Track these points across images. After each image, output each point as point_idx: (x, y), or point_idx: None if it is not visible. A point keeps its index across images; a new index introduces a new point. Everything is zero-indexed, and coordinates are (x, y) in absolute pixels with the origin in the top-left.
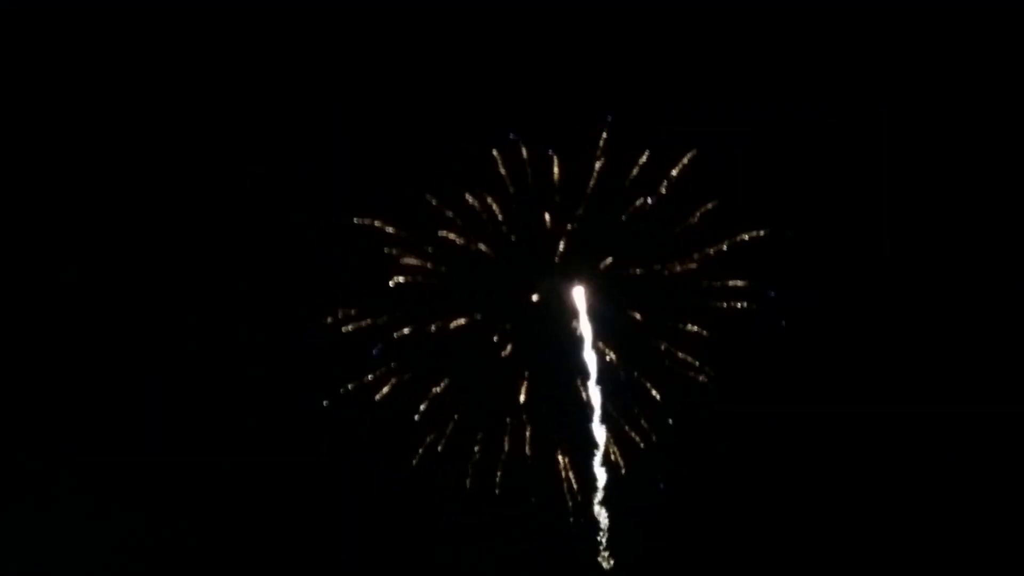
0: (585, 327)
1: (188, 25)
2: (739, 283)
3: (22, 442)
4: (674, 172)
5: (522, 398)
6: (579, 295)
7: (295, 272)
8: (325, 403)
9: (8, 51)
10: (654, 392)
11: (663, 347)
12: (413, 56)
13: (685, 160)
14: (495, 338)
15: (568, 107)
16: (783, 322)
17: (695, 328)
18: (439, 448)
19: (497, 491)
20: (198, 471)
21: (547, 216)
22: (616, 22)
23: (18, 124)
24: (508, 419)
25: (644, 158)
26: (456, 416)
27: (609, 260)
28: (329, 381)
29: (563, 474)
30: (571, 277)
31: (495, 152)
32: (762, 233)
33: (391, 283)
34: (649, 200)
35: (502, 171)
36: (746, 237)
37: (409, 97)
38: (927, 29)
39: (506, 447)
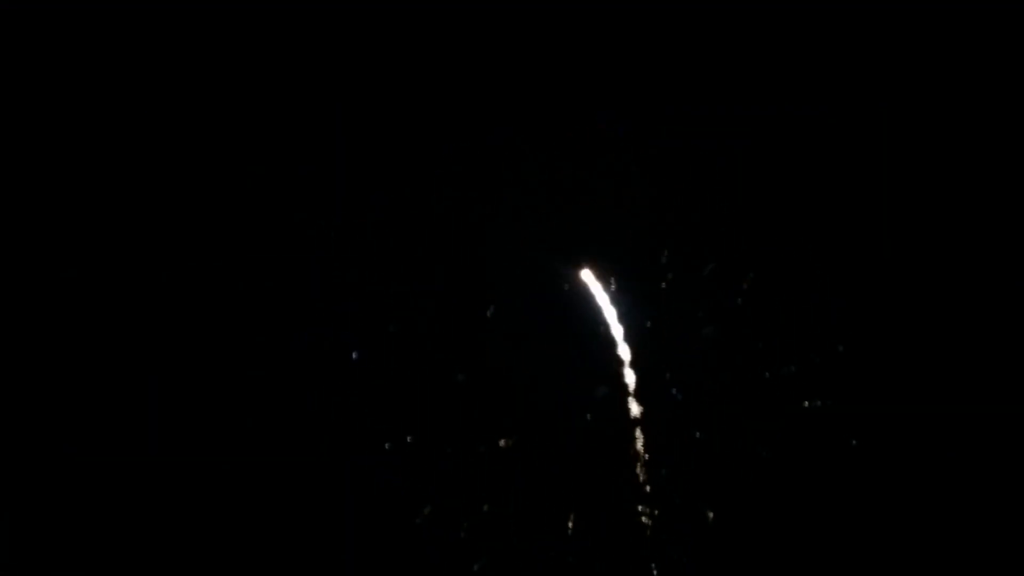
0: (639, 445)
1: (187, 24)
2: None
3: (22, 442)
4: (737, 295)
5: (570, 526)
6: (635, 408)
7: (295, 272)
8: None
9: (8, 51)
10: (708, 517)
11: (715, 474)
12: (420, 64)
13: (745, 285)
14: (543, 458)
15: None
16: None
17: (748, 456)
18: (475, 569)
19: None
20: (198, 471)
21: (602, 330)
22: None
23: (18, 124)
24: (552, 547)
25: (709, 269)
26: (497, 541)
27: (670, 382)
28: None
29: None
30: (626, 392)
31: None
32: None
33: (439, 398)
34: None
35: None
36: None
37: (412, 99)
38: (928, 29)
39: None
